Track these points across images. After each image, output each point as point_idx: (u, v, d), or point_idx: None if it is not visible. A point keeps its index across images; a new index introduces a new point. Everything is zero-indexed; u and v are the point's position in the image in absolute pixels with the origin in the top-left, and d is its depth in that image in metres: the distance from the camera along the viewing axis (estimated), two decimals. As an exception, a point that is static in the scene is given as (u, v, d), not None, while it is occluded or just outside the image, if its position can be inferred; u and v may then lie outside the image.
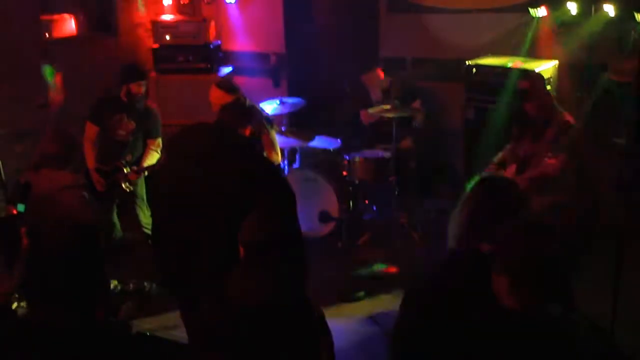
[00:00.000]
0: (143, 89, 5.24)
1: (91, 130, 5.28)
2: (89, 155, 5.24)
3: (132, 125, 5.24)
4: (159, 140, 5.39)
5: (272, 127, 4.90)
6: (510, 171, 4.88)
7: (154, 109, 5.47)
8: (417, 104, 6.19)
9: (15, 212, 3.51)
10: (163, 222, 3.41)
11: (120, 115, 5.22)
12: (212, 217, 3.15)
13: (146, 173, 5.26)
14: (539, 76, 4.98)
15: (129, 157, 5.26)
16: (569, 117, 4.77)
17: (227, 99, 4.66)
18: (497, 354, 2.14)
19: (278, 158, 4.90)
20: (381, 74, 6.32)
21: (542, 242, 2.17)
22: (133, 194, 5.36)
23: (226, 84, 4.82)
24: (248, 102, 4.76)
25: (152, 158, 5.32)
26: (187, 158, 3.32)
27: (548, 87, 5.42)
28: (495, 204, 2.46)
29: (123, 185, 5.16)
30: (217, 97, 4.72)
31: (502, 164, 5.02)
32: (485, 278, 2.20)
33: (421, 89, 6.44)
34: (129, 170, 5.17)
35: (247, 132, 3.59)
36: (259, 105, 5.30)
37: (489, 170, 4.93)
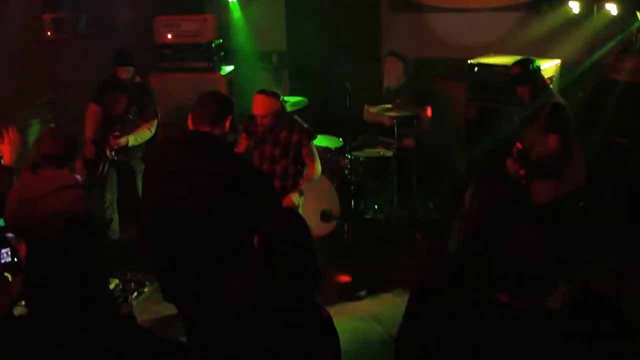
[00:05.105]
0: (129, 74, 5.60)
1: (92, 109, 5.60)
2: (89, 127, 5.55)
3: (125, 102, 5.55)
4: (153, 119, 5.65)
5: (312, 138, 4.88)
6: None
7: (149, 88, 5.81)
8: (426, 112, 6.16)
9: None
10: (154, 235, 3.47)
11: (116, 95, 5.56)
12: (200, 224, 3.23)
13: (130, 143, 5.48)
14: (530, 62, 4.90)
15: (117, 132, 5.46)
16: (559, 99, 4.70)
17: None
18: (502, 354, 2.14)
19: (319, 169, 4.80)
20: (401, 65, 6.32)
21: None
22: (133, 171, 5.64)
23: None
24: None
25: (142, 134, 5.56)
26: (169, 172, 3.37)
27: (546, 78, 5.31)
28: (499, 202, 2.47)
29: (107, 152, 5.37)
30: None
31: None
32: (490, 279, 2.21)
33: (435, 96, 6.43)
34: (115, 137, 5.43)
35: (227, 124, 3.55)
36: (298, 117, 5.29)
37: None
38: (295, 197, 4.54)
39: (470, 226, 2.47)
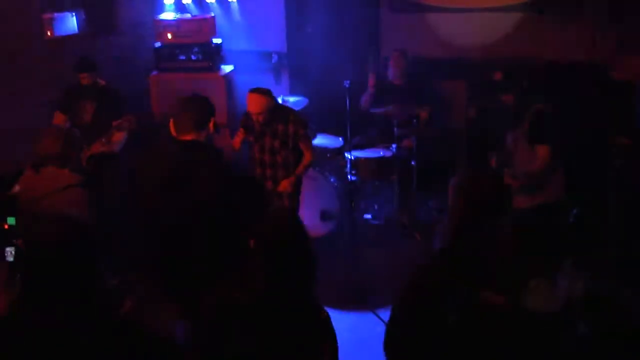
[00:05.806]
0: (90, 80, 5.50)
1: (58, 118, 5.50)
2: None
3: (92, 108, 5.48)
4: (126, 122, 5.42)
5: (307, 126, 5.09)
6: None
7: (114, 90, 5.66)
8: (424, 112, 6.17)
9: (7, 226, 3.45)
10: (154, 238, 3.49)
11: (82, 101, 5.49)
12: (200, 228, 3.25)
13: (104, 150, 5.27)
14: (512, 67, 4.85)
15: (91, 141, 5.24)
16: (544, 105, 4.66)
17: None
18: (487, 351, 2.15)
19: (313, 155, 5.14)
20: (405, 63, 6.37)
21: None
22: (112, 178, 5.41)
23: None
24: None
25: (116, 140, 5.38)
26: (164, 179, 3.39)
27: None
28: (482, 199, 2.46)
29: (83, 163, 5.13)
30: None
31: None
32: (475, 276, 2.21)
33: (435, 96, 6.44)
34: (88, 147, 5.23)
35: (210, 125, 3.58)
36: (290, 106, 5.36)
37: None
38: (289, 183, 4.99)
39: (456, 222, 2.48)
